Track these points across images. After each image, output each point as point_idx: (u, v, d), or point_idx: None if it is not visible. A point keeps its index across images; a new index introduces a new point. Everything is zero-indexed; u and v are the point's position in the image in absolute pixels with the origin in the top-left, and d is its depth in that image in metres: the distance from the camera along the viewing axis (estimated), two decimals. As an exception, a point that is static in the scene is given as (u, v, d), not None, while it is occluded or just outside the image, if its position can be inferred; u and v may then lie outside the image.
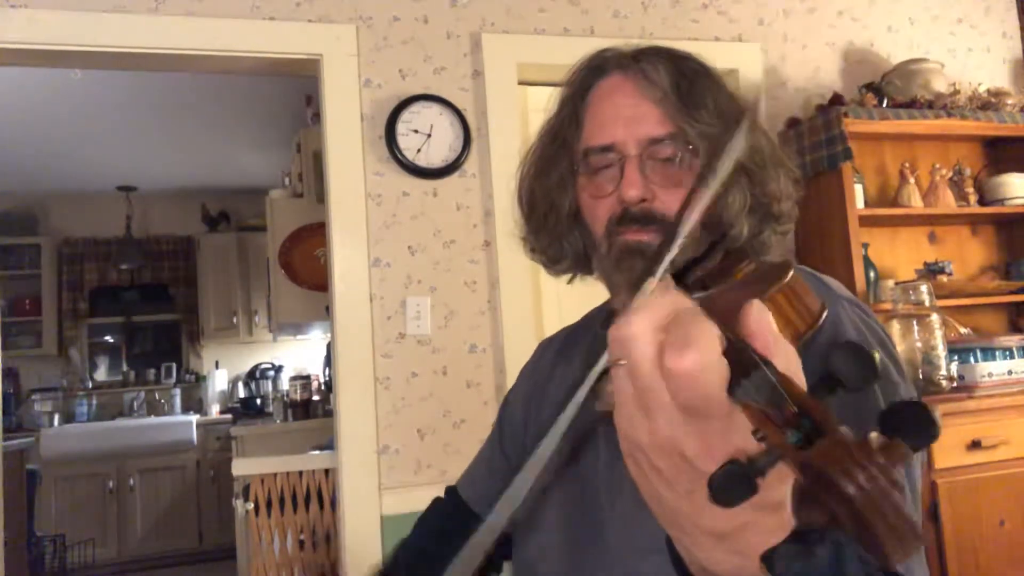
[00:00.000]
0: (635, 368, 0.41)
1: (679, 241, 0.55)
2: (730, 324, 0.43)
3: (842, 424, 0.36)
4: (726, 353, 0.41)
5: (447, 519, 1.06)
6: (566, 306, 1.03)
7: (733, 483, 0.36)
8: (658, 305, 0.42)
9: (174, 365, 5.97)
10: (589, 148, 0.85)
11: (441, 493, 1.11)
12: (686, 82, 0.83)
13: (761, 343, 0.42)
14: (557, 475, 0.87)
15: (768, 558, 0.36)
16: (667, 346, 0.40)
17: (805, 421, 0.37)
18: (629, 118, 0.83)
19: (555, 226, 0.91)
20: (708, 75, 0.86)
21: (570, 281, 0.98)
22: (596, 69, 0.88)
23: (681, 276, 0.72)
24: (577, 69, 0.91)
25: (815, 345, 0.55)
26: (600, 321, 0.90)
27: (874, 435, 0.35)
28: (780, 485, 0.39)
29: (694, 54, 0.88)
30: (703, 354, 0.39)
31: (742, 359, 0.41)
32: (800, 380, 0.41)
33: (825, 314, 0.55)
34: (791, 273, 0.55)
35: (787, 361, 0.42)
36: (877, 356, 0.37)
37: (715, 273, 0.71)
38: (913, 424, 0.35)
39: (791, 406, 0.37)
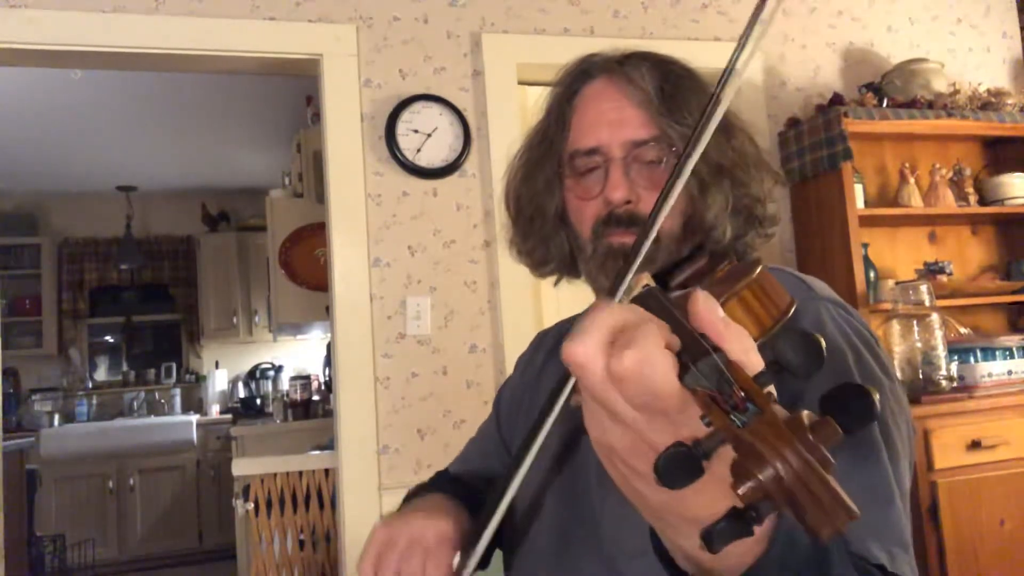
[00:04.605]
0: (588, 385, 0.43)
1: (652, 235, 0.57)
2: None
3: (778, 404, 0.37)
4: (682, 345, 0.42)
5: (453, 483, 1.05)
6: (566, 306, 1.03)
7: (677, 465, 0.37)
8: (603, 320, 0.44)
9: (174, 365, 5.97)
10: (575, 151, 0.86)
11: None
12: (670, 85, 0.84)
13: (711, 330, 0.43)
14: (551, 473, 0.87)
15: (707, 536, 0.36)
16: (610, 355, 0.42)
17: (751, 405, 0.37)
18: (613, 121, 0.84)
19: (541, 229, 0.92)
20: (692, 78, 0.87)
21: (556, 283, 0.99)
22: (583, 73, 0.89)
23: (665, 277, 0.73)
24: (565, 73, 0.92)
25: None
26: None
27: (806, 413, 0.36)
28: None
29: (679, 58, 0.89)
30: (642, 350, 0.41)
31: (692, 347, 0.42)
32: (755, 362, 0.42)
33: (793, 309, 0.57)
34: (759, 270, 0.56)
35: (741, 344, 0.43)
36: (823, 343, 0.39)
37: (697, 274, 0.72)
38: (849, 403, 0.36)
39: (738, 390, 0.38)
